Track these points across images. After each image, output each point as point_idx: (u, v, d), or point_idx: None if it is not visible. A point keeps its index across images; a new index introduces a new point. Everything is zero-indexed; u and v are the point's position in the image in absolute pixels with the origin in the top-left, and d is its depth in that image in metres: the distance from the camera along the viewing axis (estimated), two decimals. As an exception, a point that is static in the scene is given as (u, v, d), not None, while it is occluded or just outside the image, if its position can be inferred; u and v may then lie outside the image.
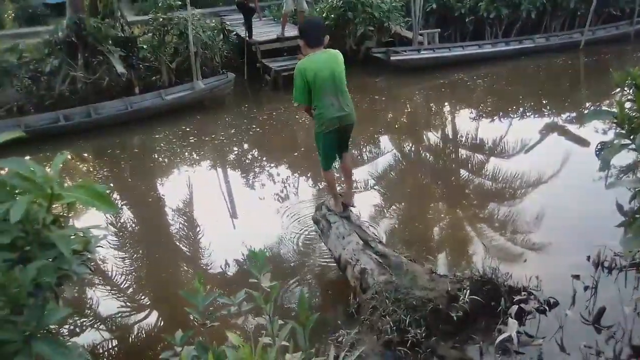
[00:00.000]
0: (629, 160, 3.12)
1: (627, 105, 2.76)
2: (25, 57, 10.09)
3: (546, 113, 8.95)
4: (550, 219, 4.98)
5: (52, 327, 1.86)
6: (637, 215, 2.36)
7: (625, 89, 3.08)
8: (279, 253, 4.87)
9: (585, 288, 3.73)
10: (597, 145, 5.40)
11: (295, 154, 7.73)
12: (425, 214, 5.56)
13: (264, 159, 7.80)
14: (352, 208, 4.49)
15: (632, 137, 2.44)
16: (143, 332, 4.08)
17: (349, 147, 4.36)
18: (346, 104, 3.97)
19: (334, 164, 4.36)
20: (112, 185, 7.12)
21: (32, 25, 15.09)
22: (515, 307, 3.27)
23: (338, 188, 4.62)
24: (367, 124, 8.40)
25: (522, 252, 4.53)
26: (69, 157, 8.07)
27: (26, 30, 14.27)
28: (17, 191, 1.74)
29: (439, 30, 12.51)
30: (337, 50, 4.05)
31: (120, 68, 9.93)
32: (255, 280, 2.01)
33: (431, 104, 10.23)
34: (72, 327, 4.07)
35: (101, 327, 4.16)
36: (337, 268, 4.17)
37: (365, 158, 7.32)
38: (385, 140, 8.22)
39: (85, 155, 8.56)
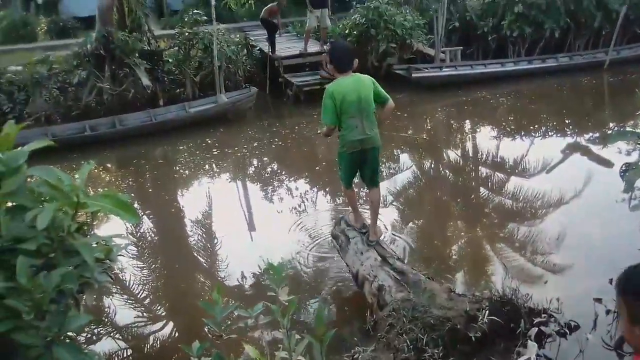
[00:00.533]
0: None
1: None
2: (55, 68, 10.38)
3: (569, 133, 8.84)
4: (572, 240, 4.89)
5: (71, 334, 1.89)
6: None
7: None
8: (296, 267, 4.87)
9: (607, 312, 3.64)
10: (621, 167, 5.30)
11: (317, 167, 7.77)
12: (444, 231, 5.52)
13: (285, 172, 7.84)
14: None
15: (657, 159, 2.40)
16: (159, 342, 4.11)
17: (378, 182, 4.33)
18: (370, 128, 4.02)
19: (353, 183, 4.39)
20: (133, 195, 7.22)
21: (63, 38, 15.52)
22: (535, 330, 3.21)
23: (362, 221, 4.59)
24: (388, 140, 8.40)
25: (542, 273, 4.45)
26: (94, 166, 8.20)
27: (57, 42, 14.70)
28: (44, 198, 1.79)
29: (462, 48, 12.49)
30: (367, 76, 4.12)
31: (145, 80, 10.14)
32: (273, 294, 2.02)
33: (452, 121, 10.18)
34: (90, 335, 4.12)
35: (118, 335, 4.20)
36: (355, 284, 4.15)
37: (385, 174, 7.30)
38: (405, 157, 8.19)
39: (110, 165, 8.73)
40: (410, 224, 5.77)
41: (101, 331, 4.20)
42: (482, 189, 6.62)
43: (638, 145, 2.73)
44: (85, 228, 1.98)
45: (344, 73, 4.03)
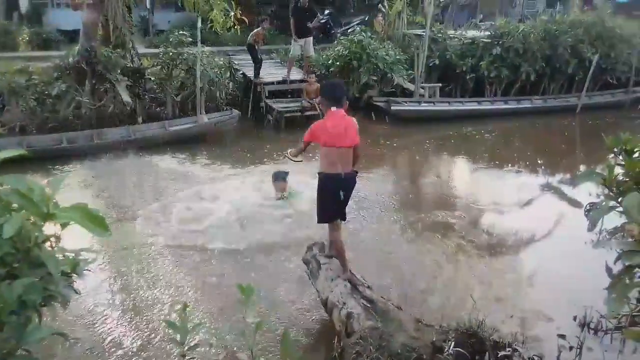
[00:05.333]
0: (618, 223, 3.17)
1: (617, 169, 2.83)
2: (34, 79, 10.26)
3: (540, 172, 9.08)
4: (540, 277, 4.99)
5: (31, 348, 1.84)
6: (622, 277, 2.39)
7: (616, 153, 3.17)
8: (266, 290, 4.84)
9: (570, 348, 3.71)
10: (586, 206, 5.47)
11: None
12: (413, 263, 5.56)
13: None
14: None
15: (620, 199, 2.49)
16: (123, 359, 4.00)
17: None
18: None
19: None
20: (110, 208, 7.07)
21: (45, 50, 15.38)
22: (499, 363, 3.24)
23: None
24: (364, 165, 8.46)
25: (509, 307, 4.51)
26: (68, 179, 8.07)
27: (38, 53, 14.54)
28: (13, 208, 1.77)
29: (441, 85, 12.84)
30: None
31: (126, 97, 10.10)
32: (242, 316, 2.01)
33: (426, 155, 10.36)
34: (50, 350, 3.99)
35: (80, 351, 4.08)
36: (324, 310, 4.13)
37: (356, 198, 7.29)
38: (376, 184, 8.20)
39: (85, 178, 8.55)
40: (381, 254, 5.79)
41: (64, 346, 4.06)
42: (453, 222, 6.68)
43: (602, 187, 2.84)
44: (53, 240, 1.95)
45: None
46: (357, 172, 4.25)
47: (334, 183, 4.06)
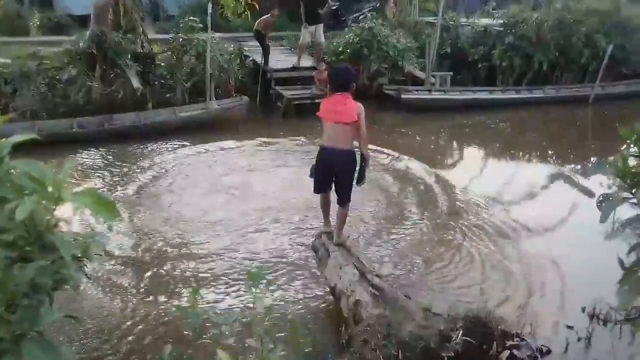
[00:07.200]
0: (631, 214, 3.13)
1: (631, 160, 2.79)
2: (45, 64, 10.30)
3: (552, 162, 8.99)
4: (550, 267, 4.96)
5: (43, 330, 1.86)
6: (635, 269, 2.37)
7: (630, 144, 3.12)
8: (275, 278, 4.86)
9: (579, 339, 3.69)
10: (598, 197, 5.41)
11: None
12: (424, 251, 5.55)
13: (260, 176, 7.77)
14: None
15: (633, 191, 2.46)
16: (135, 344, 4.04)
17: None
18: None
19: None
20: (118, 193, 7.12)
21: (56, 34, 15.39)
22: (506, 353, 3.24)
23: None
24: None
25: (518, 298, 4.50)
26: (79, 163, 8.14)
27: (49, 38, 14.56)
28: (25, 191, 1.78)
29: (452, 73, 12.70)
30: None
31: (136, 83, 10.12)
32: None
33: (437, 143, 10.31)
34: (62, 333, 4.04)
35: (91, 335, 4.13)
36: (332, 297, 4.15)
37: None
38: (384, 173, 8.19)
39: (94, 163, 8.60)
40: (390, 243, 5.78)
41: (75, 329, 4.11)
42: (464, 212, 6.65)
43: (615, 178, 2.81)
44: (63, 224, 1.96)
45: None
46: (361, 154, 4.30)
47: (320, 155, 4.32)
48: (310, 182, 4.48)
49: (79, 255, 2.03)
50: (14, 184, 1.76)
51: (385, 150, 8.69)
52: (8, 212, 1.66)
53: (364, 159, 4.30)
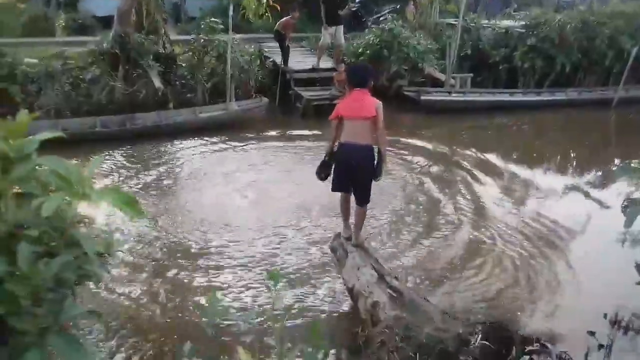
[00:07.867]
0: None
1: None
2: (69, 63, 10.49)
3: (572, 167, 8.86)
4: (572, 273, 4.89)
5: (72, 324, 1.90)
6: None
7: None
8: (293, 278, 4.88)
9: (600, 347, 3.63)
10: (623, 202, 5.32)
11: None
12: (442, 256, 5.51)
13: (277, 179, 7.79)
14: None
15: (659, 196, 2.42)
16: (154, 341, 4.09)
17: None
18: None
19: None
20: (142, 191, 7.22)
21: (80, 35, 15.68)
22: (526, 358, 3.20)
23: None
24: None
25: (538, 303, 4.44)
26: (103, 162, 8.27)
27: (74, 39, 14.83)
28: (51, 188, 1.82)
29: (472, 75, 12.58)
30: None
31: (157, 83, 10.25)
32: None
33: (454, 147, 10.20)
34: (84, 328, 4.11)
35: (112, 330, 4.19)
36: (350, 298, 4.14)
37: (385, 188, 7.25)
38: (401, 176, 8.14)
39: (117, 161, 8.74)
40: (409, 245, 5.76)
41: (97, 325, 4.17)
42: (480, 218, 6.59)
43: (640, 182, 2.76)
44: (87, 221, 2.00)
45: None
46: (378, 150, 4.29)
47: (339, 151, 4.34)
48: (328, 183, 4.49)
49: (101, 251, 2.07)
50: (40, 180, 1.80)
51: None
52: (34, 208, 1.69)
53: (381, 154, 4.28)
